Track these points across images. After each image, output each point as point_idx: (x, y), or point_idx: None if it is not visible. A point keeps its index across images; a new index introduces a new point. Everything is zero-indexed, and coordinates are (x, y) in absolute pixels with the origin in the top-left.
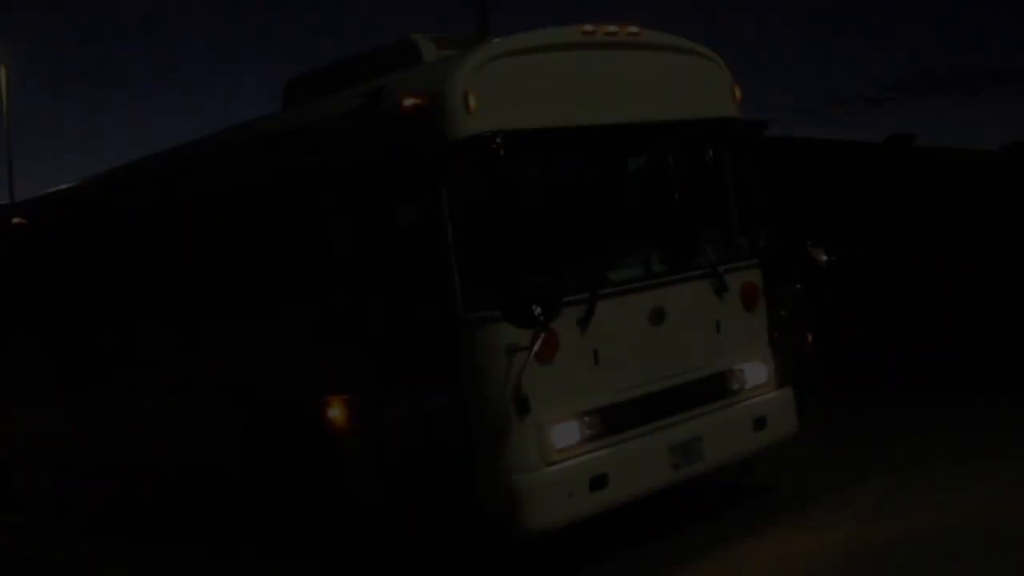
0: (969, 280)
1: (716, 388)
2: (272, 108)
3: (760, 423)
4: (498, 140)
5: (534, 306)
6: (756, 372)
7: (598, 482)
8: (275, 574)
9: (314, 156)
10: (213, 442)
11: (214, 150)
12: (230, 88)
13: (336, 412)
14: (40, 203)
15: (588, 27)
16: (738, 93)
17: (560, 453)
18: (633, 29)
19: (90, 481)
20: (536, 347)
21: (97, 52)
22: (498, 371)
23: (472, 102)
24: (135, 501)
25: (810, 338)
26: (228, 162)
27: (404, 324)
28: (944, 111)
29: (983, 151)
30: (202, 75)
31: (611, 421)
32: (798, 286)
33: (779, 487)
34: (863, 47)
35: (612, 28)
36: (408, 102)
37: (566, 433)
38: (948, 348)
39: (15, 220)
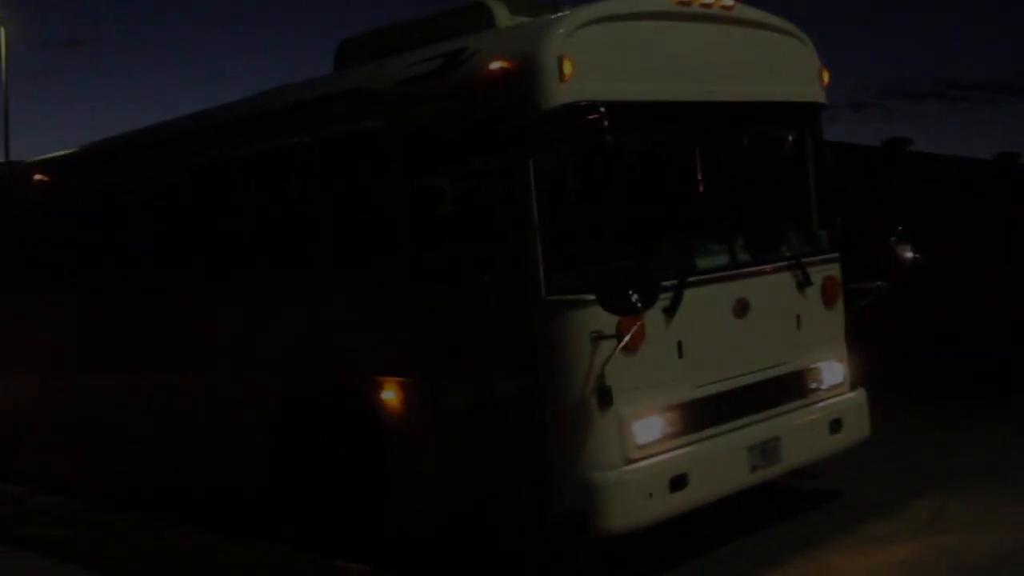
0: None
1: (795, 386)
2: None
3: (836, 425)
4: (600, 110)
5: (631, 292)
6: (833, 371)
7: (678, 482)
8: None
9: (377, 120)
10: (244, 426)
11: (259, 111)
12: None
13: (390, 396)
14: (62, 162)
15: None
16: (826, 77)
17: (641, 450)
18: (727, 2)
19: (104, 461)
20: (628, 336)
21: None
22: (581, 359)
23: (567, 68)
24: (154, 484)
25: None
26: (275, 124)
27: (475, 305)
28: (928, 119)
29: (978, 159)
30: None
31: (693, 418)
32: (879, 283)
33: (844, 492)
34: (849, 55)
35: None
36: (494, 65)
37: (648, 429)
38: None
39: (42, 176)
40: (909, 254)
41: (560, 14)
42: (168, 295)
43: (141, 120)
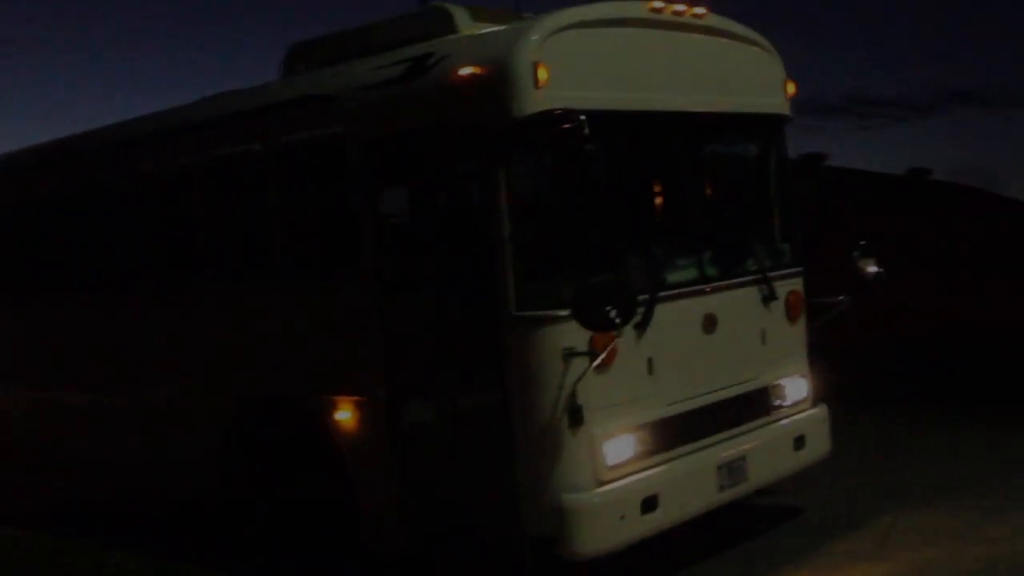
0: None
1: (761, 403)
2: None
3: (799, 442)
4: (580, 118)
5: (608, 307)
6: (796, 387)
7: (649, 504)
8: None
9: (335, 126)
10: (190, 442)
11: (207, 117)
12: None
13: (345, 415)
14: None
15: (656, 3)
16: (791, 89)
17: (612, 471)
18: (699, 10)
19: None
20: (603, 353)
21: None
22: (551, 377)
23: (542, 75)
24: (103, 499)
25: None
26: (225, 131)
27: (440, 320)
28: (838, 135)
29: (891, 175)
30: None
31: (663, 437)
32: (842, 298)
33: (805, 508)
34: None
35: (679, 7)
36: (465, 71)
37: (619, 449)
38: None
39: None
40: (872, 268)
41: (532, 19)
42: (118, 307)
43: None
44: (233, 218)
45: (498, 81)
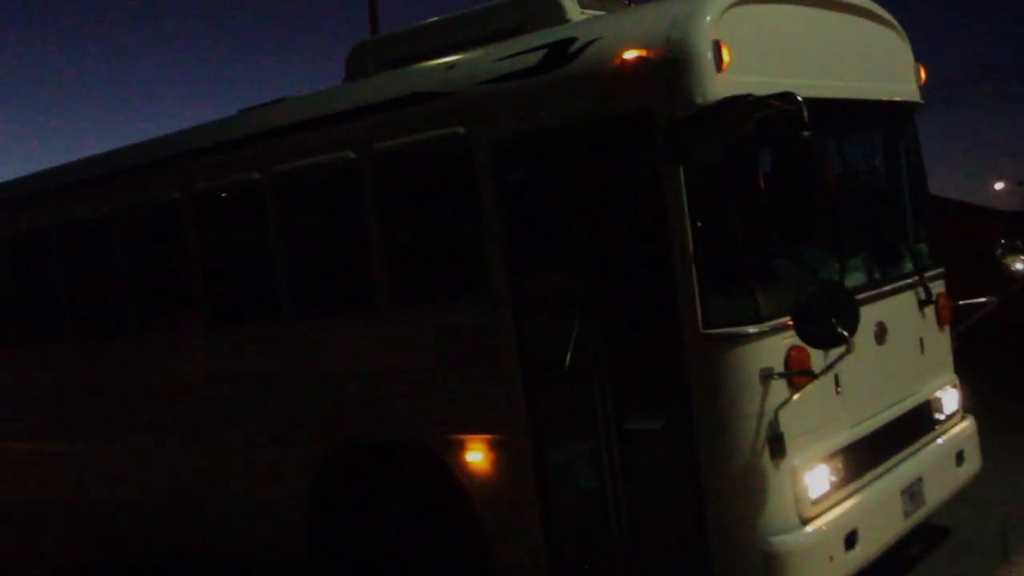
0: None
1: (926, 418)
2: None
3: (960, 457)
4: (797, 100)
5: (832, 319)
6: (950, 399)
7: (851, 540)
8: None
9: (453, 126)
10: (273, 499)
11: (272, 127)
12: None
13: (476, 457)
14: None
15: None
16: (923, 75)
17: (815, 506)
18: None
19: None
20: (825, 370)
21: None
22: (748, 403)
23: (725, 56)
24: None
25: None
26: (301, 142)
27: (596, 343)
28: None
29: None
30: None
31: (853, 462)
32: (989, 298)
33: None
34: None
35: None
36: (630, 54)
37: (818, 480)
38: None
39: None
40: (1020, 265)
41: None
42: (161, 344)
43: None
44: (314, 238)
45: (673, 64)
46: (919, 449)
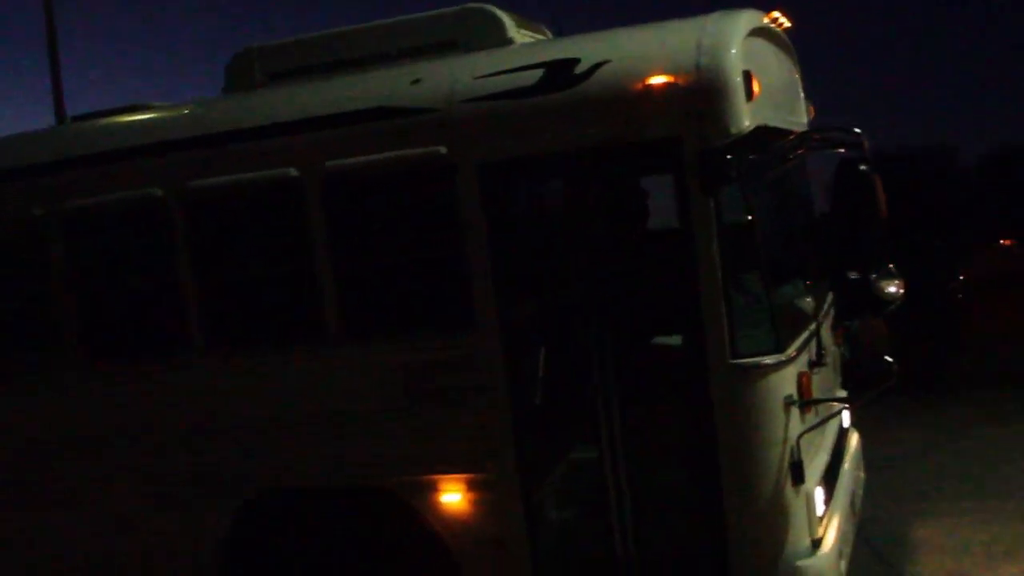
0: None
1: (844, 431)
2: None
3: (861, 466)
4: (857, 132)
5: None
6: (846, 413)
7: (842, 553)
8: None
9: (433, 147)
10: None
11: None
12: None
13: (452, 499)
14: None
15: (774, 13)
16: (812, 112)
17: (821, 527)
18: (783, 20)
19: None
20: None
21: None
22: (776, 431)
23: (756, 87)
24: None
25: None
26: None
27: (603, 373)
28: None
29: None
30: None
31: (828, 483)
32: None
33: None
34: None
35: (778, 17)
36: (657, 80)
37: (820, 501)
38: None
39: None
40: (892, 288)
41: (726, 18)
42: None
43: None
44: (260, 263)
45: (708, 92)
46: (845, 462)
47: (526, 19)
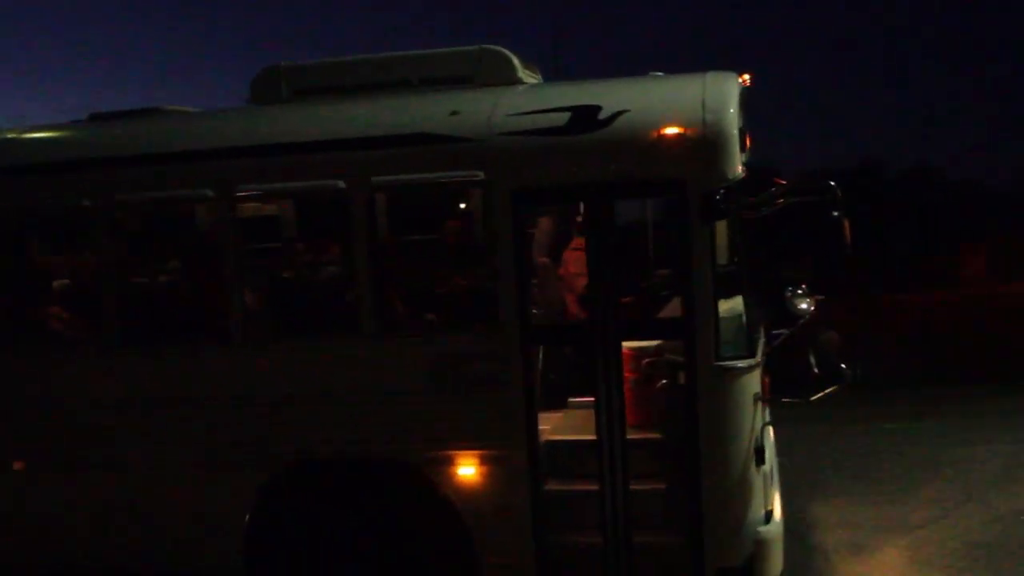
0: None
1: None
2: None
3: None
4: (831, 184)
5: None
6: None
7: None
8: None
9: (472, 172)
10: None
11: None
12: None
13: (467, 472)
14: None
15: (745, 76)
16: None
17: (771, 501)
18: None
19: None
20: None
21: None
22: (746, 421)
23: (747, 141)
24: None
25: None
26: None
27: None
28: None
29: None
30: None
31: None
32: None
33: None
34: None
35: (747, 78)
36: (670, 131)
37: (774, 480)
38: None
39: None
40: (804, 305)
41: (725, 79)
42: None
43: None
44: (303, 263)
45: (711, 144)
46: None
47: (525, 60)
